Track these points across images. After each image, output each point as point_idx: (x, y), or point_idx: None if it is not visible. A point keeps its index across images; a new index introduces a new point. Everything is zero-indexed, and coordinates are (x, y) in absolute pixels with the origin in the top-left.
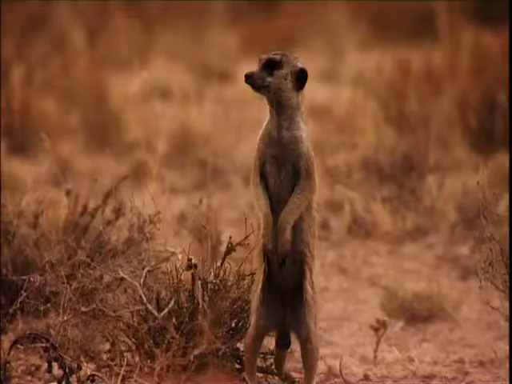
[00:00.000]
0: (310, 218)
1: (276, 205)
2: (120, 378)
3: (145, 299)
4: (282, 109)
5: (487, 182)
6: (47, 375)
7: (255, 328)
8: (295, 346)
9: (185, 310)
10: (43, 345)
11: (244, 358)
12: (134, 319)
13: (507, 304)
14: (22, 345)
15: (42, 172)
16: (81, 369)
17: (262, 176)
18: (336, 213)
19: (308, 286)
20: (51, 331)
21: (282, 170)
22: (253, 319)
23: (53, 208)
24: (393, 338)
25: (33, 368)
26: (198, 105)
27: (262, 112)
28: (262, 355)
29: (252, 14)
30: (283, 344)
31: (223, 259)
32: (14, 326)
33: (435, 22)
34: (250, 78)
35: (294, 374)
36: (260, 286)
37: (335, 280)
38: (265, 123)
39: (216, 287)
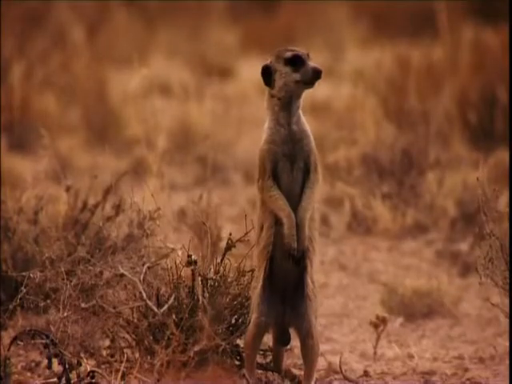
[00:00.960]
0: (313, 213)
1: (288, 201)
2: (120, 374)
3: (145, 295)
4: (295, 104)
5: (487, 179)
6: (47, 371)
7: (256, 325)
8: (295, 342)
9: (185, 306)
10: (43, 341)
11: (244, 354)
12: (134, 315)
13: (507, 300)
14: (21, 341)
15: (41, 168)
16: (81, 365)
17: (274, 176)
18: (336, 209)
19: (309, 281)
20: (51, 327)
21: (294, 167)
22: (253, 316)
23: (52, 204)
24: (392, 334)
25: (33, 364)
26: (198, 101)
27: (261, 109)
28: (261, 352)
29: (252, 11)
30: (283, 341)
31: (223, 255)
32: (13, 323)
33: (435, 19)
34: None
35: (294, 371)
36: (261, 283)
37: (335, 276)
38: (266, 125)
39: (216, 283)
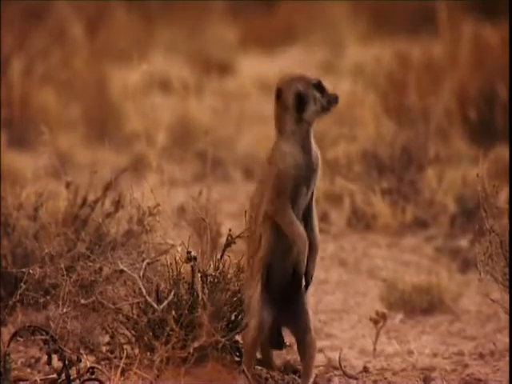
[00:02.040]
0: None
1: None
2: (119, 370)
3: (144, 291)
4: (312, 128)
5: (487, 174)
6: (47, 367)
7: (257, 329)
8: (294, 339)
9: (184, 302)
10: (43, 337)
11: (244, 351)
12: (134, 311)
13: (507, 296)
14: (21, 337)
15: (41, 164)
16: (80, 361)
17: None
18: (335, 205)
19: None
20: (51, 323)
21: (309, 190)
22: (254, 320)
23: (52, 200)
24: (392, 330)
25: (32, 360)
26: (198, 97)
27: (260, 105)
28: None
29: (252, 8)
30: (277, 343)
31: (223, 252)
32: (13, 319)
33: (435, 16)
34: None
35: (295, 366)
36: (259, 290)
37: (335, 272)
38: (287, 149)
39: (215, 280)
